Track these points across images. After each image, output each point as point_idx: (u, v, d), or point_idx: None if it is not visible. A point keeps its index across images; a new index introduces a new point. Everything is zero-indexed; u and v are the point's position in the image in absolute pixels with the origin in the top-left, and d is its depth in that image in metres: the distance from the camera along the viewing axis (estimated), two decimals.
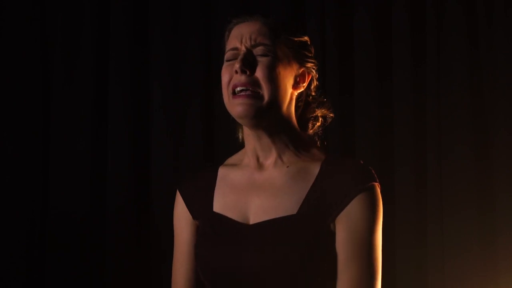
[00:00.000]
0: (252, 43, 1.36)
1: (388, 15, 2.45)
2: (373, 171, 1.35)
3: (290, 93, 1.40)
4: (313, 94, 1.48)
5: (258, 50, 1.36)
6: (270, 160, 1.40)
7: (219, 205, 1.41)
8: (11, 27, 2.50)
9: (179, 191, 1.50)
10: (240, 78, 1.34)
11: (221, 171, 1.46)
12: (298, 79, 1.41)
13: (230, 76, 1.37)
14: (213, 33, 2.51)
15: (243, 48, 1.37)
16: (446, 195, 2.36)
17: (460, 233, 2.33)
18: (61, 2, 2.52)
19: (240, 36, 1.38)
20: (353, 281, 1.30)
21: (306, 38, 1.45)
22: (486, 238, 2.33)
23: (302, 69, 1.42)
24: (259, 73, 1.34)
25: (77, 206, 2.45)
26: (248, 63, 1.35)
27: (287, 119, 1.40)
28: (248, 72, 1.34)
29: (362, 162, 1.38)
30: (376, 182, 1.34)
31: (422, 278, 2.35)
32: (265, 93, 1.34)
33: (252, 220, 1.36)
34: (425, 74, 2.41)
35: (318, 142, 1.49)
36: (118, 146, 2.47)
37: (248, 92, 1.33)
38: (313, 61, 1.45)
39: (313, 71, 1.46)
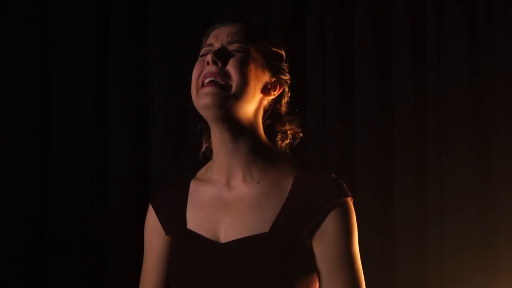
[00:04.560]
0: (229, 39, 1.36)
1: (388, 15, 2.45)
2: (344, 185, 1.35)
3: (259, 98, 1.37)
4: (284, 108, 1.46)
5: (232, 47, 1.35)
6: (238, 176, 1.37)
7: (191, 222, 1.39)
8: (11, 27, 2.50)
9: (152, 205, 1.48)
10: (211, 68, 1.33)
11: (193, 185, 1.44)
12: (269, 86, 1.40)
13: (201, 69, 1.35)
14: None
15: (218, 44, 1.36)
16: (446, 195, 2.35)
17: (460, 233, 2.33)
18: (61, 2, 2.52)
19: (217, 35, 1.38)
20: None
21: (282, 51, 1.44)
22: (486, 238, 2.33)
23: (274, 79, 1.41)
24: (230, 66, 1.33)
25: (77, 206, 2.45)
26: (221, 55, 1.33)
27: (254, 124, 1.37)
28: (219, 64, 1.32)
29: (334, 175, 1.36)
30: (349, 196, 1.34)
31: (422, 278, 2.35)
32: (234, 84, 1.31)
33: (224, 239, 1.33)
34: (425, 74, 2.40)
35: (286, 153, 1.46)
36: (118, 146, 2.47)
37: (216, 82, 1.31)
38: (286, 75, 1.44)
39: (286, 85, 1.44)
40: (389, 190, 2.40)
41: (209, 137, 1.43)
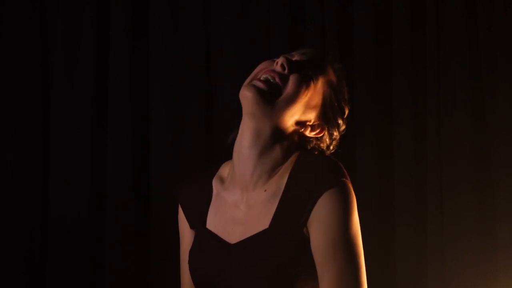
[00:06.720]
0: (306, 59, 1.38)
1: (388, 16, 2.45)
2: (340, 166, 1.33)
3: (292, 122, 1.36)
4: (323, 146, 1.45)
5: (305, 66, 1.37)
6: (250, 185, 1.38)
7: (211, 222, 1.42)
8: (11, 26, 2.50)
9: (178, 200, 1.50)
10: (276, 68, 1.34)
11: (215, 185, 1.45)
12: (307, 123, 1.39)
13: (266, 66, 1.36)
14: (213, 33, 2.51)
15: (296, 58, 1.38)
16: (446, 195, 2.35)
17: (460, 233, 2.33)
18: (61, 2, 2.52)
19: (299, 52, 1.41)
20: (334, 282, 1.27)
21: (347, 109, 1.45)
22: (486, 238, 2.33)
23: (318, 123, 1.40)
24: (292, 76, 1.33)
25: (77, 206, 2.45)
26: (291, 65, 1.34)
27: (276, 143, 1.36)
28: (286, 70, 1.34)
29: (329, 159, 1.36)
30: (343, 178, 1.30)
31: (422, 278, 2.35)
32: (286, 91, 1.32)
33: (233, 240, 1.36)
34: (425, 74, 2.41)
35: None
36: (118, 146, 2.47)
37: (271, 83, 1.32)
38: (337, 131, 1.45)
39: (328, 136, 1.44)
40: (389, 190, 2.40)
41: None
